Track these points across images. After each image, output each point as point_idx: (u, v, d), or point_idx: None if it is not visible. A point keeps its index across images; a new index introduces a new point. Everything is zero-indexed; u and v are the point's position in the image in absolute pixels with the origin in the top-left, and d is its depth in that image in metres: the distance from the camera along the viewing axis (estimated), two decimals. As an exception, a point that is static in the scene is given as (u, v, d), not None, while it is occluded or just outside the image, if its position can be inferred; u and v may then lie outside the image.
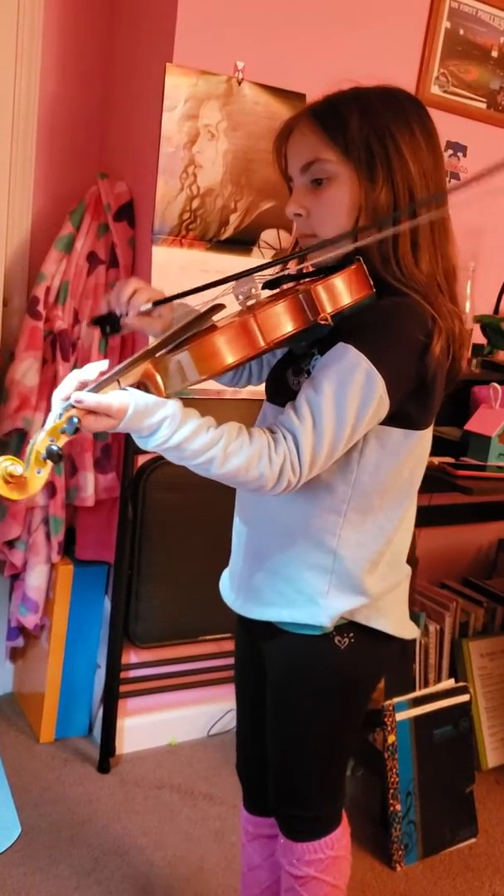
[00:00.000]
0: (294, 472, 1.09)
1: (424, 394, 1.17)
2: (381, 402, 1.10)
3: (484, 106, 2.48)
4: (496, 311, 2.51)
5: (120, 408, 1.01)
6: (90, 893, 1.82)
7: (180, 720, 2.41)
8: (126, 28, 2.17)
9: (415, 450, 1.21)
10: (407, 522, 1.29)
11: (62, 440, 1.01)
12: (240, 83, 2.04)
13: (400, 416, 1.16)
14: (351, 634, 1.25)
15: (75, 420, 1.00)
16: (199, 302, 1.21)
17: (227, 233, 2.12)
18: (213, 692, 2.40)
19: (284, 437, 1.09)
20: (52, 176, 2.23)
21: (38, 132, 2.19)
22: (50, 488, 2.15)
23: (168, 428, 1.03)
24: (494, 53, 2.45)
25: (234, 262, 2.12)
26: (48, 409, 1.10)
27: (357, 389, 1.09)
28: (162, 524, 2.18)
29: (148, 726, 2.36)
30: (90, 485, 2.16)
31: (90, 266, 2.14)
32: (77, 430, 1.00)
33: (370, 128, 1.13)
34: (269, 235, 2.18)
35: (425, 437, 1.23)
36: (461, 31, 2.37)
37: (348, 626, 1.25)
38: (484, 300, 2.46)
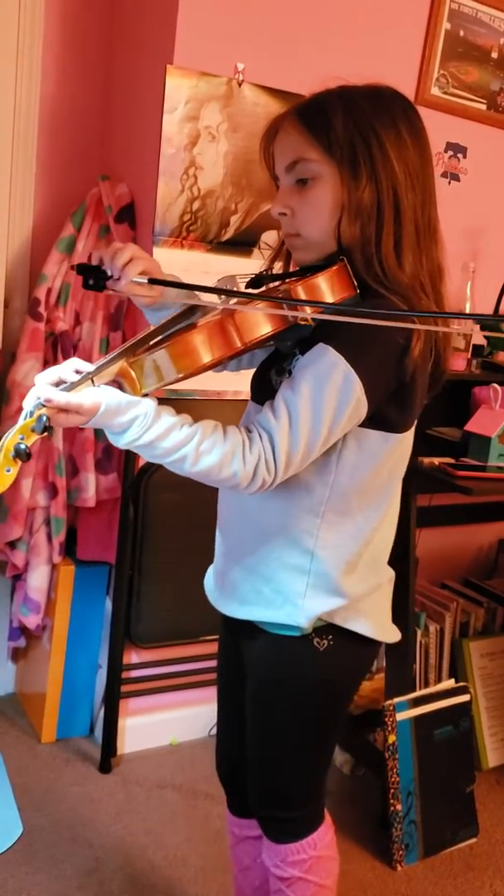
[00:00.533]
0: (269, 471, 1.09)
1: (404, 396, 1.16)
2: (359, 403, 1.10)
3: (484, 107, 2.48)
4: (496, 311, 2.51)
5: (91, 406, 1.02)
6: (92, 893, 1.83)
7: (181, 720, 2.41)
8: (126, 29, 2.17)
9: (394, 452, 1.21)
10: (387, 524, 1.28)
11: (32, 438, 1.02)
12: (240, 85, 2.05)
13: (379, 419, 1.16)
14: (330, 636, 1.25)
15: (44, 418, 1.01)
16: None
17: (228, 234, 2.13)
18: (214, 692, 2.39)
19: (260, 437, 1.09)
20: (53, 177, 2.23)
21: (39, 133, 2.19)
22: (51, 489, 2.16)
23: (138, 426, 1.04)
24: (494, 55, 2.46)
25: (235, 264, 2.12)
26: None
27: (334, 390, 1.09)
28: (163, 525, 2.19)
29: (149, 726, 2.36)
30: (91, 485, 2.16)
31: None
32: (46, 429, 1.01)
33: (354, 127, 1.12)
34: (269, 237, 2.18)
35: (405, 439, 1.23)
36: (461, 33, 2.38)
37: (328, 628, 1.25)
38: (484, 300, 2.46)
